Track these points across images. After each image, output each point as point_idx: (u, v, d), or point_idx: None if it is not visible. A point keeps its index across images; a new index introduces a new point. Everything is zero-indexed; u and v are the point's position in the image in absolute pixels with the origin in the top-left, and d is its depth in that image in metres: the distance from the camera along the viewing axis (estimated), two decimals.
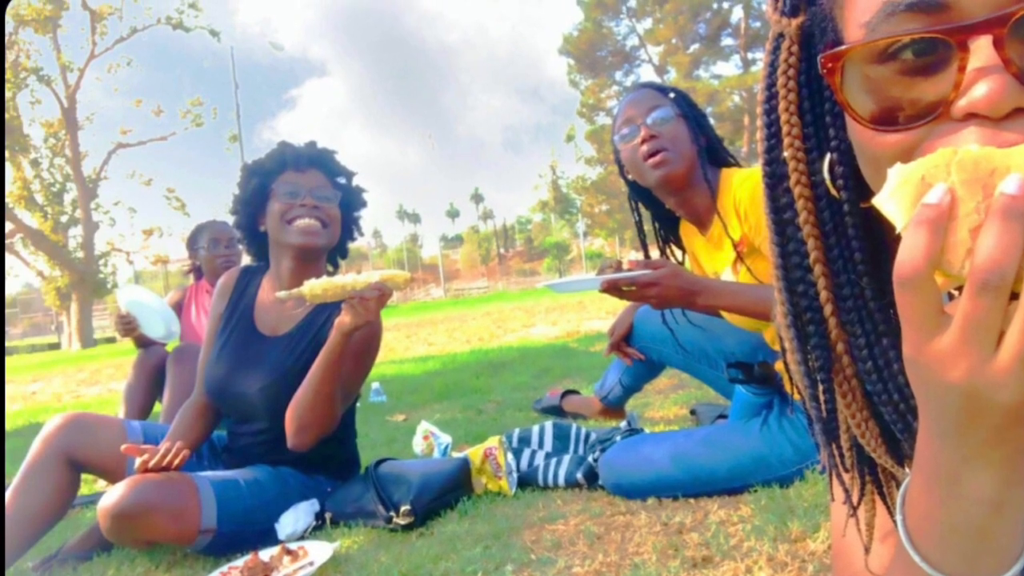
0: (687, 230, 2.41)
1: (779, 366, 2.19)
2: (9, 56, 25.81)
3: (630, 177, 2.30)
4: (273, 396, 2.26)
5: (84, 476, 2.38)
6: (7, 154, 25.41)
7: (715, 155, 2.26)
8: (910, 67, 0.52)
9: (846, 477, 0.69)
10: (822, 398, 0.65)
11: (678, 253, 2.47)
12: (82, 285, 27.71)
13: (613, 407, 3.26)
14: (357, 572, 1.86)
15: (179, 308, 4.20)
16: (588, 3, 36.79)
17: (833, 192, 0.62)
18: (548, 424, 2.64)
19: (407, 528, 2.12)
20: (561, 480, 2.33)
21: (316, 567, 1.85)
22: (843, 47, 0.55)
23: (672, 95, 2.23)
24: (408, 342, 10.46)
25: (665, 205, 2.33)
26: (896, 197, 0.48)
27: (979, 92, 0.48)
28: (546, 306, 15.37)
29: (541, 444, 2.56)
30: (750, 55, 35.58)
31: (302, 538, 2.15)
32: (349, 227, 2.54)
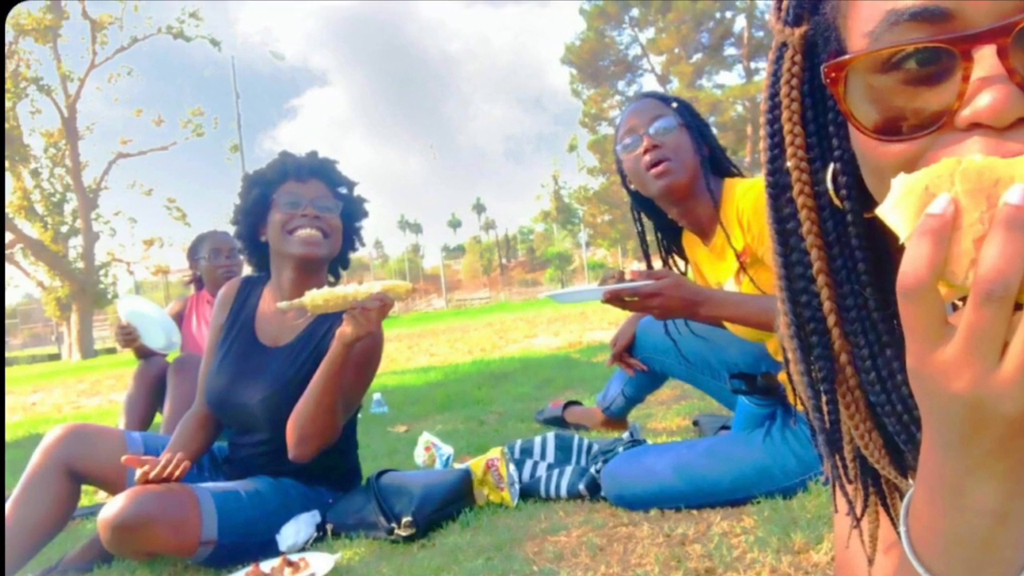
0: (690, 240, 2.41)
1: (782, 377, 2.19)
2: (9, 65, 25.86)
3: (633, 187, 2.30)
4: (274, 407, 2.26)
5: (84, 487, 2.37)
6: (7, 164, 25.46)
7: (718, 165, 2.26)
8: (914, 77, 0.52)
9: (849, 488, 0.68)
10: (825, 409, 0.65)
11: (681, 263, 2.46)
12: (82, 295, 27.71)
13: (615, 418, 3.25)
14: None
15: (180, 319, 4.20)
16: (590, 12, 36.96)
17: (836, 202, 0.62)
18: (550, 435, 2.63)
19: (408, 540, 2.11)
20: (563, 491, 2.32)
21: None
22: (846, 56, 0.55)
23: (675, 105, 2.24)
24: (410, 353, 10.46)
25: (668, 215, 2.33)
26: (900, 207, 0.48)
27: (983, 102, 0.48)
28: (548, 317, 15.36)
29: (543, 455, 2.55)
30: (753, 65, 35.68)
31: (303, 549, 2.14)
32: (350, 237, 2.54)
